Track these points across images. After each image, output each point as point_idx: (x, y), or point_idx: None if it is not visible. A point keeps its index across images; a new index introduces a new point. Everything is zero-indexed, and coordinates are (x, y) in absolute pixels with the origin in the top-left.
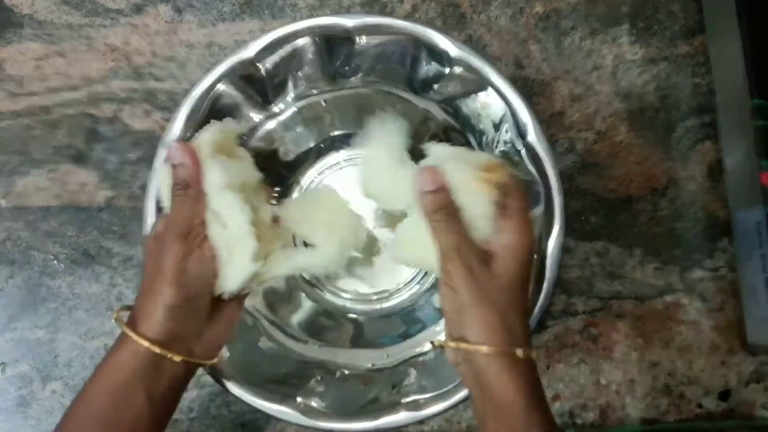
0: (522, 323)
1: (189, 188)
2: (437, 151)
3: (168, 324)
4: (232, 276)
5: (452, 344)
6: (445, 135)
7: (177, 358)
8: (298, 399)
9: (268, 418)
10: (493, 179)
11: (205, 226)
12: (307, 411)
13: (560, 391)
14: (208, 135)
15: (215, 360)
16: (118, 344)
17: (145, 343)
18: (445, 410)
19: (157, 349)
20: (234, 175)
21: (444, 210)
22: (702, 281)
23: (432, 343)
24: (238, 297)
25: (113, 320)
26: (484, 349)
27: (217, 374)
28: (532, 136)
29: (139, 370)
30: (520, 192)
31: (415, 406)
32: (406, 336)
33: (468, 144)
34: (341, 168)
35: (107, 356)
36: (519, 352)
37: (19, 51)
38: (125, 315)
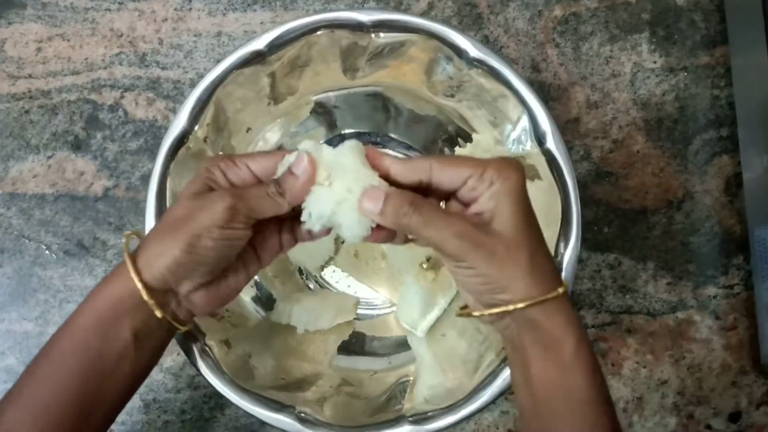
0: (547, 263)
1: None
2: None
3: (167, 275)
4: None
5: (496, 311)
6: (459, 136)
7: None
8: (297, 407)
9: (263, 423)
10: None
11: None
12: (306, 421)
13: None
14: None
15: (189, 327)
16: (113, 275)
17: (139, 284)
18: (452, 425)
19: (145, 296)
20: None
21: (405, 209)
22: (715, 298)
23: (462, 308)
24: (247, 273)
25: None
26: (525, 303)
27: (195, 368)
28: (551, 144)
29: (130, 306)
30: None
31: (420, 419)
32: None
33: None
34: None
35: (98, 288)
36: (559, 291)
37: (20, 32)
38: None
